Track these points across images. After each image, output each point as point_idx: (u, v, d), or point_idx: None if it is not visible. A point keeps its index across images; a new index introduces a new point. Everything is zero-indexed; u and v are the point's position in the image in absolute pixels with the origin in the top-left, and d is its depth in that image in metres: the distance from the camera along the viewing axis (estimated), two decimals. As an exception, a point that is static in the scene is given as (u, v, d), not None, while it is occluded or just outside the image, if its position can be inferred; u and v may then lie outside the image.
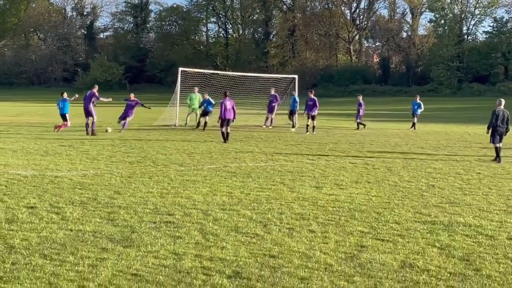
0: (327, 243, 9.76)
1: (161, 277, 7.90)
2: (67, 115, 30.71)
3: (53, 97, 69.34)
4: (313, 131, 32.84)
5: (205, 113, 34.60)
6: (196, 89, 37.61)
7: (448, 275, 8.24)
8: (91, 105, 29.92)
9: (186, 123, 36.77)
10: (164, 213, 11.83)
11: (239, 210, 12.25)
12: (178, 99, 37.88)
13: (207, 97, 35.30)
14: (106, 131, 30.24)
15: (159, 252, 9.09)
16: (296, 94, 38.23)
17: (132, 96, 33.57)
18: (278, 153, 22.78)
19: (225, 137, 26.56)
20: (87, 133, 29.08)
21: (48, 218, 11.08)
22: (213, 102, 34.78)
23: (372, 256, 9.05)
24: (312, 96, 33.87)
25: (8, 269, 8.11)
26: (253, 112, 43.05)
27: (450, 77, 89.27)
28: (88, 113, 29.74)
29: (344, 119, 44.65)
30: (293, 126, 36.30)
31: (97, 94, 30.52)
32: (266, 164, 19.69)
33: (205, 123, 34.07)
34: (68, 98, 30.95)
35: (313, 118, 33.39)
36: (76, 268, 8.22)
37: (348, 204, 13.03)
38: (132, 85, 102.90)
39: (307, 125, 33.56)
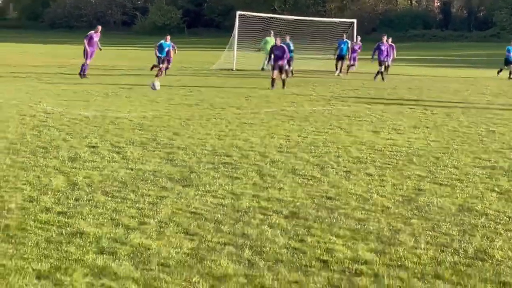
0: (384, 186, 9.75)
1: (219, 215, 8.03)
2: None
3: (112, 41, 69.90)
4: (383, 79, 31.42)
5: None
6: (272, 32, 36.64)
7: (507, 219, 8.17)
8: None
9: (263, 68, 36.22)
10: (222, 154, 11.95)
11: (296, 153, 12.29)
12: (236, 43, 37.82)
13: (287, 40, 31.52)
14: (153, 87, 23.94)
15: (217, 192, 9.21)
16: (345, 37, 36.79)
17: (168, 38, 32.45)
18: (336, 98, 22.67)
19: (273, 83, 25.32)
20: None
21: (109, 157, 11.30)
22: (293, 47, 32.14)
23: (430, 199, 9.01)
24: (389, 42, 33.45)
25: (71, 204, 8.34)
26: (312, 56, 42.67)
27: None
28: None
29: (404, 64, 43.96)
30: (340, 71, 34.81)
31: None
32: (323, 108, 19.63)
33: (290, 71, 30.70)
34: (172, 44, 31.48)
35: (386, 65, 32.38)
36: (137, 205, 8.40)
37: (406, 149, 12.95)
38: (190, 29, 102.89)
39: (381, 72, 31.73)
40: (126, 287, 5.75)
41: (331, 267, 6.37)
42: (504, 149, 13.13)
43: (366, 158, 11.88)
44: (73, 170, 10.29)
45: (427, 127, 15.96)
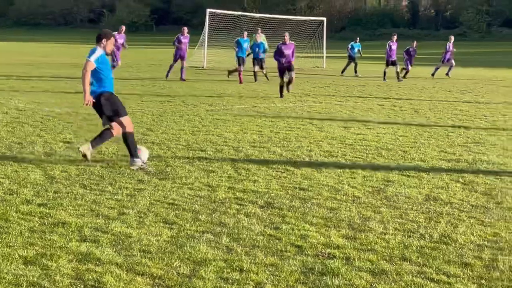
0: (354, 178, 10.09)
1: (196, 206, 8.29)
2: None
3: (79, 38, 69.66)
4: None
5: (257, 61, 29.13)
6: (246, 33, 35.52)
7: (470, 207, 8.54)
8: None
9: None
10: (196, 149, 12.20)
11: (269, 147, 12.58)
12: (206, 41, 38.05)
13: (259, 39, 29.86)
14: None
15: (193, 184, 9.47)
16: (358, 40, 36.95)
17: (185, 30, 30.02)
18: (307, 95, 23.03)
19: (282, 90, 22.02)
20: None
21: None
22: (267, 46, 29.91)
23: (398, 190, 9.37)
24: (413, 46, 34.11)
25: (51, 197, 8.54)
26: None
27: (479, 21, 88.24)
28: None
29: (372, 62, 44.51)
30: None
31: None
32: (294, 105, 19.97)
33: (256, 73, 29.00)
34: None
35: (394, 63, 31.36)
36: (115, 197, 8.63)
37: (375, 143, 13.32)
38: (158, 27, 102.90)
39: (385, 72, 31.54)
40: (110, 271, 5.99)
41: (305, 251, 6.67)
42: (469, 143, 13.56)
43: (337, 152, 12.22)
44: (50, 164, 10.46)
45: (396, 123, 16.37)
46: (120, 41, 27.77)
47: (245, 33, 30.88)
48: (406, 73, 32.89)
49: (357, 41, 36.85)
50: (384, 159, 11.66)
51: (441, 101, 21.93)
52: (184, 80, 27.47)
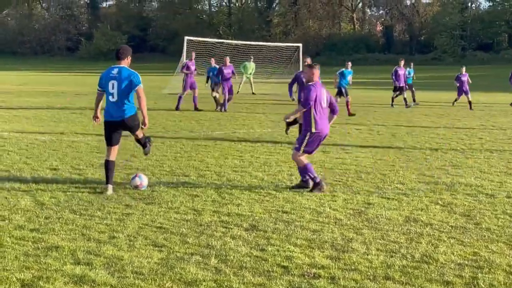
0: (335, 201, 10.40)
1: (184, 229, 8.55)
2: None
3: (56, 67, 69.69)
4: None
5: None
6: (252, 58, 35.03)
7: (450, 228, 8.88)
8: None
9: (238, 91, 35.96)
10: (180, 174, 12.47)
11: (250, 172, 12.88)
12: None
13: (214, 63, 30.80)
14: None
15: (179, 208, 9.73)
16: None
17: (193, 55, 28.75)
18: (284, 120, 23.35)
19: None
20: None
21: (71, 179, 11.72)
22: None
23: (379, 212, 9.69)
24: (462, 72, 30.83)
25: (42, 222, 8.76)
26: (260, 80, 43.41)
27: (454, 45, 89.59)
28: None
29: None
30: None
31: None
32: (273, 130, 20.30)
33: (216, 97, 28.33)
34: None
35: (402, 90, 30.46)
36: (105, 221, 8.87)
37: (354, 167, 13.66)
38: (135, 54, 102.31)
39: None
40: (105, 292, 6.25)
41: (292, 271, 6.96)
42: (446, 166, 13.94)
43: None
44: (39, 191, 10.68)
45: (374, 147, 16.75)
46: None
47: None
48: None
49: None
50: (363, 182, 12.00)
51: (417, 126, 22.37)
52: (198, 109, 26.75)
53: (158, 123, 21.38)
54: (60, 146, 15.64)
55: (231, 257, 7.40)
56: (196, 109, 26.87)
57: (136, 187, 10.85)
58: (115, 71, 10.75)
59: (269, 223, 8.97)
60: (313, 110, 11.02)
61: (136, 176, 11.04)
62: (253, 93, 37.65)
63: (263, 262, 7.25)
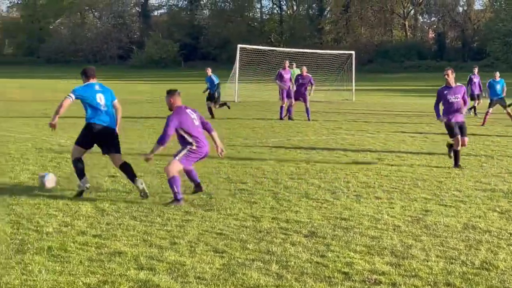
0: (393, 208, 10.39)
1: (243, 235, 8.65)
2: None
3: (108, 75, 70.50)
4: None
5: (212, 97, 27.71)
6: (294, 64, 34.34)
7: (509, 235, 8.80)
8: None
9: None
10: (237, 181, 12.59)
11: (307, 179, 12.93)
12: (237, 75, 38.69)
13: (210, 73, 28.28)
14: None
15: (238, 215, 9.84)
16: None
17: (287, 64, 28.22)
18: (339, 127, 23.38)
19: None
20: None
21: (130, 186, 11.91)
22: (216, 81, 28.00)
23: (437, 219, 9.65)
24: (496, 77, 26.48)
25: (104, 228, 8.96)
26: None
27: (507, 52, 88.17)
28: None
29: (400, 94, 44.85)
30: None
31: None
32: (327, 137, 20.32)
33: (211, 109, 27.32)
34: None
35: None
36: (165, 228, 9.02)
37: (410, 174, 13.60)
38: (187, 63, 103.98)
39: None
40: (170, 296, 6.37)
41: (353, 277, 6.99)
42: (502, 173, 13.78)
43: (374, 183, 12.53)
44: (99, 197, 10.91)
45: (429, 154, 16.63)
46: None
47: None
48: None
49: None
50: (420, 189, 11.94)
51: (473, 134, 22.13)
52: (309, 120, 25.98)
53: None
54: (118, 154, 15.89)
55: (292, 263, 7.46)
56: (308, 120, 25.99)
57: (43, 183, 11.21)
58: (97, 86, 11.53)
59: (328, 229, 9.02)
60: None
61: (45, 175, 11.44)
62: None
63: (324, 268, 7.30)
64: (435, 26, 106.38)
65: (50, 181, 11.30)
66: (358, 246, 8.16)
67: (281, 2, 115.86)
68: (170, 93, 11.03)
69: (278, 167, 14.39)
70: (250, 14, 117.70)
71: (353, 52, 43.99)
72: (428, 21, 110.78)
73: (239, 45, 39.30)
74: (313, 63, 44.84)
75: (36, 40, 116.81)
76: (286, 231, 8.93)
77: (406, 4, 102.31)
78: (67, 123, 23.65)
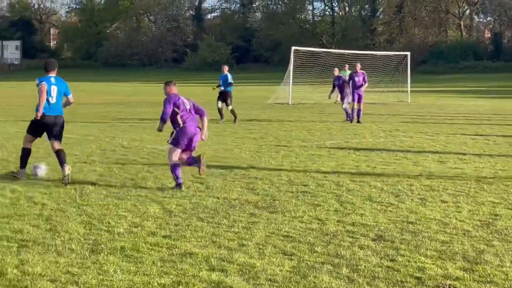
0: (460, 212, 10.26)
1: (310, 238, 8.64)
2: None
3: (164, 77, 71.51)
4: None
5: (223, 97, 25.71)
6: (347, 66, 34.38)
7: None
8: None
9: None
10: (298, 183, 12.58)
11: (369, 181, 12.85)
12: (291, 77, 38.70)
13: (226, 71, 26.33)
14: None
15: (303, 217, 9.83)
16: None
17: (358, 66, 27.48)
18: (396, 130, 23.19)
19: None
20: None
21: (194, 187, 12.02)
22: (230, 80, 26.03)
23: (507, 223, 9.49)
24: None
25: (173, 229, 9.04)
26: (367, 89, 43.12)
27: None
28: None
29: (457, 96, 44.28)
30: None
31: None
32: (385, 140, 20.18)
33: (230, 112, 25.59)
34: None
35: None
36: (232, 229, 9.07)
37: (475, 177, 13.41)
38: (239, 65, 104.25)
39: None
40: (245, 298, 6.40)
41: (426, 282, 6.92)
42: None
43: (438, 186, 12.38)
44: (165, 199, 11.02)
45: (492, 156, 16.38)
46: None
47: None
48: None
49: None
50: (487, 193, 11.76)
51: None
52: (359, 122, 25.80)
53: (269, 133, 21.63)
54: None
55: (362, 267, 7.43)
56: (358, 121, 25.80)
57: (35, 173, 12.82)
58: (52, 79, 12.81)
59: (395, 233, 8.95)
60: None
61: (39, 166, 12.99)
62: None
63: (395, 272, 7.24)
64: (491, 26, 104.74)
65: (42, 170, 12.89)
66: (428, 251, 8.07)
67: (333, 4, 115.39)
68: (167, 83, 12.34)
69: (338, 169, 14.33)
70: (302, 16, 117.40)
71: (408, 53, 43.59)
72: (484, 20, 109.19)
73: (293, 47, 39.27)
74: (367, 65, 44.55)
75: (93, 44, 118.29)
76: (353, 234, 8.89)
77: (461, 4, 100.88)
78: (127, 125, 23.99)
